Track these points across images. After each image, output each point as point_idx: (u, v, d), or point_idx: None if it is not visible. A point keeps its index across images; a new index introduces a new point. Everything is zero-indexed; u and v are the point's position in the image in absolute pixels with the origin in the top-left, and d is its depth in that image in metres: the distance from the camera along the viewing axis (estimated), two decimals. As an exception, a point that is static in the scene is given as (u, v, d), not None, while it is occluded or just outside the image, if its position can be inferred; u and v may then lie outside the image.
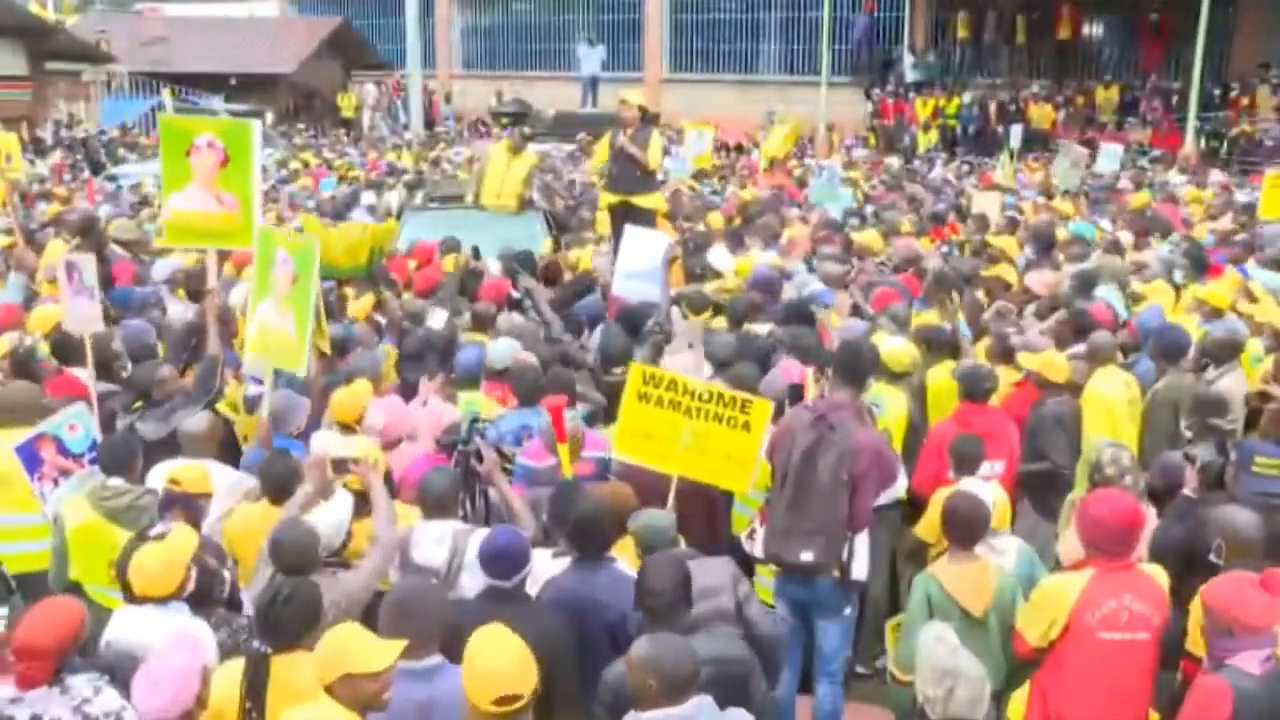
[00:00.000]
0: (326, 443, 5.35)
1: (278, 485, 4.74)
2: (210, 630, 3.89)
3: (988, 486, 4.87)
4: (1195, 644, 3.94)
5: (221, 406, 5.93)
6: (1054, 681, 4.07)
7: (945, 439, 5.44)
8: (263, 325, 6.00)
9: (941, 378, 6.42)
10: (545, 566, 4.26)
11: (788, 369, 6.06)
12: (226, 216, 6.47)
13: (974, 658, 3.47)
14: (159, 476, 4.91)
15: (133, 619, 3.90)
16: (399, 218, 11.08)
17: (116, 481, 4.81)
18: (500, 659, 3.19)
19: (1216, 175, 18.23)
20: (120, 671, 3.54)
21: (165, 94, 21.41)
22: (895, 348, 6.19)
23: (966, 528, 4.31)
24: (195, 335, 6.65)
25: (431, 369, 6.42)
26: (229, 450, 5.63)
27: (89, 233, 9.05)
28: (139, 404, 5.87)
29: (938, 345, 6.65)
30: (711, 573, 4.13)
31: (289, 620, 3.52)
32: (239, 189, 6.49)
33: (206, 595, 4.12)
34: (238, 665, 3.52)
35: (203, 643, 3.56)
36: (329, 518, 4.48)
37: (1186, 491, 4.96)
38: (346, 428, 5.45)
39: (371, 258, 7.64)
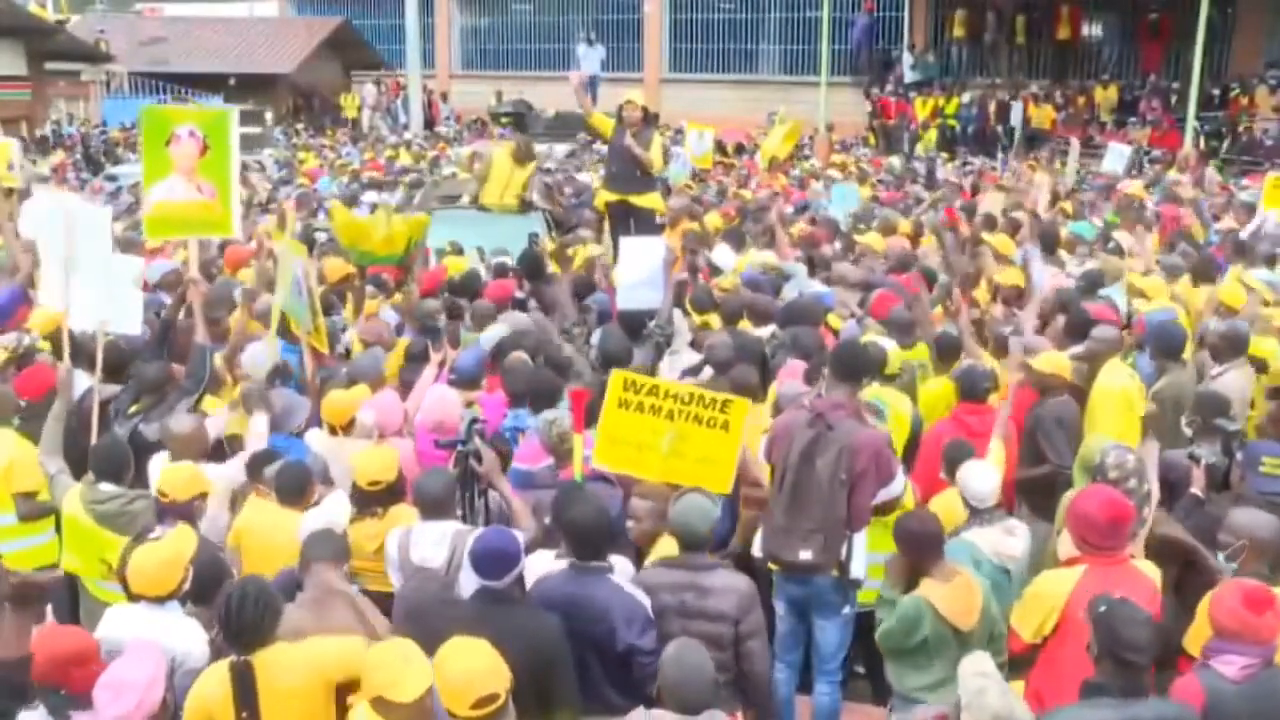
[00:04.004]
0: (322, 444, 5.36)
1: (292, 489, 4.74)
2: (200, 631, 3.88)
3: (990, 467, 4.87)
4: (1191, 643, 3.94)
5: (206, 405, 5.89)
6: (1047, 678, 4.06)
7: (942, 439, 5.43)
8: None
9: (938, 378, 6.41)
10: (546, 568, 4.23)
11: (793, 369, 6.05)
12: (206, 205, 6.60)
13: (1023, 701, 3.42)
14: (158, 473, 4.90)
15: (127, 617, 3.90)
16: None
17: (106, 486, 4.81)
18: (471, 662, 3.21)
19: (1210, 173, 18.18)
20: None
21: None
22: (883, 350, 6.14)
23: (919, 546, 4.23)
24: (168, 328, 6.60)
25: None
26: (215, 451, 5.57)
27: None
28: (136, 406, 5.83)
29: (948, 351, 6.63)
30: (725, 595, 4.12)
31: (257, 620, 3.53)
32: (218, 177, 6.60)
33: (216, 594, 4.11)
34: (222, 666, 3.53)
35: (166, 649, 3.55)
36: (324, 519, 4.47)
37: (1194, 491, 4.96)
38: (334, 430, 5.45)
39: (408, 247, 7.84)
